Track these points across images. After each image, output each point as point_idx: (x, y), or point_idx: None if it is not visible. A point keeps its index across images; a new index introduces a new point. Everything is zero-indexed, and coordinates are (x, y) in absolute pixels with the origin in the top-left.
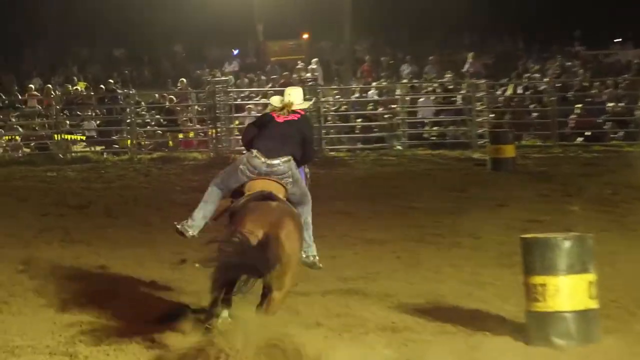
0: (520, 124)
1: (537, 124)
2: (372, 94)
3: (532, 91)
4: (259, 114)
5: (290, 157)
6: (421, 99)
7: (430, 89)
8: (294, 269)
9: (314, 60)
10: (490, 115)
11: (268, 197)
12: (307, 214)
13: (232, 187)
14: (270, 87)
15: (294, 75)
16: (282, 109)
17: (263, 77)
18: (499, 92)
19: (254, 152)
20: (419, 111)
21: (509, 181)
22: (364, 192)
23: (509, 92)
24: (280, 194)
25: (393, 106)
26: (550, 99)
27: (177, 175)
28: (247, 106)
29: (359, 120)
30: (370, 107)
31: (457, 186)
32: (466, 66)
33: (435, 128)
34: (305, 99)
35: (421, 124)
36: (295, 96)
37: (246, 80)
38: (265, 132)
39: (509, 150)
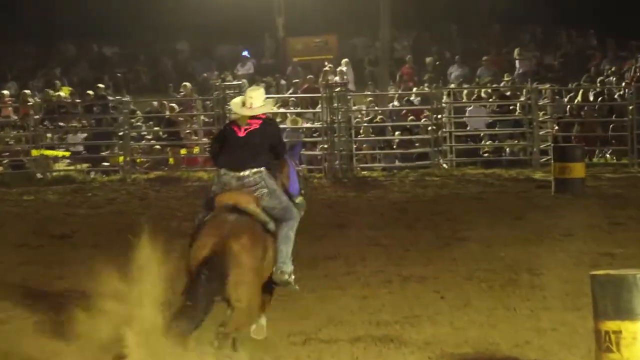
0: (592, 137)
1: (613, 138)
2: (414, 101)
3: (607, 98)
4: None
5: (261, 169)
6: (472, 108)
7: (483, 95)
8: (250, 280)
9: (344, 60)
10: (555, 128)
11: (231, 209)
12: (288, 229)
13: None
14: (291, 94)
15: (320, 79)
16: (242, 117)
17: (283, 82)
18: (565, 100)
19: (222, 170)
20: (469, 122)
21: (576, 206)
22: (401, 219)
23: (579, 99)
24: (251, 205)
25: (439, 116)
26: (629, 107)
27: (179, 200)
28: None
29: (397, 133)
30: (411, 118)
31: (514, 212)
32: (517, 68)
33: (488, 142)
34: (266, 100)
35: (472, 138)
36: (256, 98)
37: (263, 84)
38: (228, 147)
39: (578, 170)
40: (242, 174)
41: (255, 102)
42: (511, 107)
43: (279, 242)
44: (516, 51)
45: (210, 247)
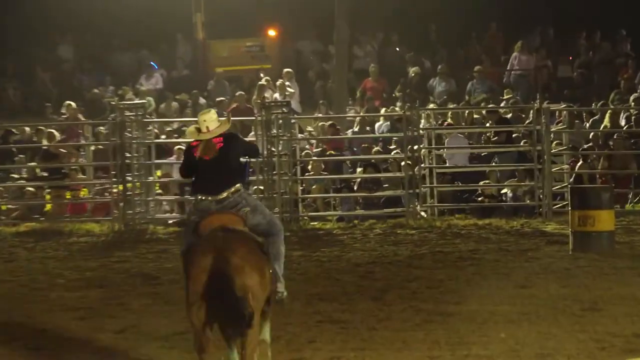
0: (624, 176)
1: None
2: (381, 127)
3: None
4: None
5: (237, 187)
6: (452, 137)
7: (476, 116)
8: (257, 296)
9: (287, 71)
10: (572, 162)
11: (220, 229)
12: (278, 243)
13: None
14: None
15: (254, 97)
16: (203, 143)
17: (203, 100)
18: (587, 125)
19: (198, 196)
20: (451, 156)
21: (603, 270)
22: (365, 287)
23: (606, 123)
24: (239, 226)
25: (415, 147)
26: None
27: (61, 261)
28: (176, 147)
29: (359, 170)
30: (377, 149)
31: (518, 278)
32: (510, 63)
33: (483, 183)
34: (220, 120)
35: (461, 177)
36: (209, 121)
37: (175, 104)
38: (200, 172)
39: (605, 220)
40: (220, 197)
41: (210, 124)
42: (514, 135)
43: (273, 261)
44: (517, 45)
45: (210, 267)
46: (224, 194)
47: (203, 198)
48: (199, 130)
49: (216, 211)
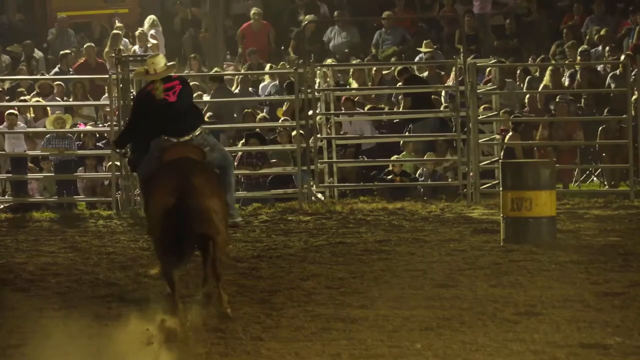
0: (568, 149)
1: (603, 150)
2: (268, 87)
3: (593, 81)
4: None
5: (200, 129)
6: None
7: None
8: (221, 211)
9: (150, 18)
10: (503, 131)
11: (182, 159)
12: (230, 174)
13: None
14: (57, 74)
15: (107, 49)
16: (156, 85)
17: (39, 54)
18: (524, 85)
19: (163, 137)
20: (359, 125)
21: (542, 265)
22: (249, 287)
23: (546, 82)
24: (199, 157)
25: (310, 113)
26: (632, 97)
27: None
28: (8, 113)
29: (241, 141)
30: (262, 116)
31: (438, 276)
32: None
33: (395, 157)
34: (168, 64)
35: (367, 151)
36: (157, 63)
37: (6, 58)
38: (159, 116)
39: (544, 203)
40: (185, 138)
41: (157, 67)
42: (433, 98)
43: (227, 189)
44: None
45: (174, 190)
46: (189, 136)
47: (167, 139)
48: (146, 72)
49: (180, 143)
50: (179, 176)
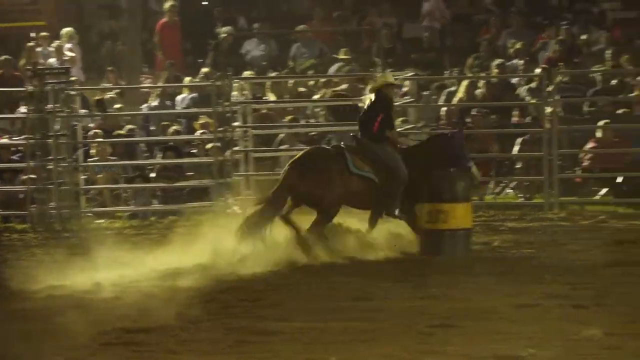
0: (484, 160)
1: (519, 161)
2: (185, 100)
3: (509, 94)
4: None
5: None
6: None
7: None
8: None
9: (66, 31)
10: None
11: None
12: None
13: None
14: None
15: (22, 62)
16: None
17: None
18: (442, 97)
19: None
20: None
21: (457, 277)
22: (165, 300)
23: (461, 95)
24: None
25: (229, 127)
26: (545, 109)
27: None
28: None
29: (159, 154)
30: (175, 128)
31: (354, 289)
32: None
33: None
34: None
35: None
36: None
37: None
38: None
39: (460, 215)
40: None
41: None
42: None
43: None
44: None
45: None
46: None
47: None
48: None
49: None
50: None
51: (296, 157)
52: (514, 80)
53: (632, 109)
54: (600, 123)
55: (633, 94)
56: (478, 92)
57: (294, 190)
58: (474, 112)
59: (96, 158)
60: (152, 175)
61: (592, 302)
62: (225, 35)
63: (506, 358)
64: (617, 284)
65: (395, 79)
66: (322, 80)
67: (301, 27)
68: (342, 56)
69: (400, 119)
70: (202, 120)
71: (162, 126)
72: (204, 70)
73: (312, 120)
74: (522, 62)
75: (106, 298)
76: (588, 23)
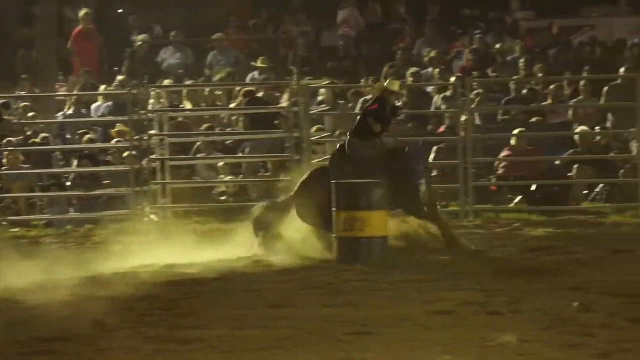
0: None
1: (437, 169)
2: (100, 108)
3: (424, 101)
4: None
5: None
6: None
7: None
8: None
9: None
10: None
11: None
12: None
13: None
14: None
15: None
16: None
17: None
18: (357, 105)
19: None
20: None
21: (374, 285)
22: (82, 308)
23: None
24: None
25: (144, 136)
26: (461, 117)
27: None
28: None
29: (75, 162)
30: (89, 137)
31: (273, 296)
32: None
33: (229, 178)
34: None
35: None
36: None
37: None
38: None
39: (377, 223)
40: None
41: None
42: (279, 120)
43: None
44: None
45: None
46: None
47: None
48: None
49: None
50: None
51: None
52: (429, 89)
53: (545, 118)
54: (515, 131)
55: (545, 103)
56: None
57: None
58: None
59: (5, 167)
60: (68, 183)
61: (506, 308)
62: (141, 43)
63: None
64: (531, 291)
65: (312, 87)
66: (238, 88)
67: (217, 35)
68: (259, 64)
69: (316, 126)
70: (118, 128)
71: (78, 134)
72: (120, 78)
73: (228, 129)
74: (437, 70)
75: (21, 307)
76: (501, 32)
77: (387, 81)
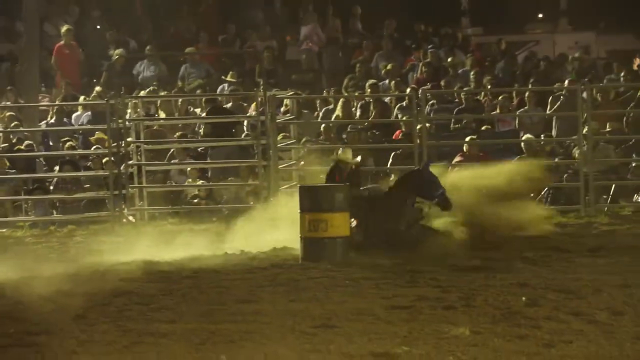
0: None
1: (390, 174)
2: (81, 117)
3: (381, 112)
4: None
5: None
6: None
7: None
8: None
9: None
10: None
11: None
12: None
13: None
14: None
15: None
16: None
17: None
18: (320, 114)
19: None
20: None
21: (336, 281)
22: (65, 304)
23: (338, 113)
24: None
25: (122, 143)
26: (417, 126)
27: None
28: None
29: (57, 168)
30: (69, 144)
31: (242, 292)
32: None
33: (202, 182)
34: None
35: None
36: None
37: None
38: None
39: (339, 224)
40: None
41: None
42: (236, 128)
43: None
44: None
45: None
46: None
47: None
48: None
49: None
50: None
51: None
52: (387, 99)
53: (494, 126)
54: (467, 139)
55: (494, 112)
56: (358, 111)
57: None
58: (349, 128)
59: None
60: (51, 187)
61: (460, 303)
62: (118, 57)
63: (383, 355)
64: (483, 287)
65: (278, 97)
66: (205, 99)
67: (190, 49)
68: (229, 78)
69: (282, 134)
70: (98, 136)
71: (61, 142)
72: (97, 89)
73: (199, 137)
74: (393, 82)
75: (8, 302)
76: (453, 47)
77: (341, 151)
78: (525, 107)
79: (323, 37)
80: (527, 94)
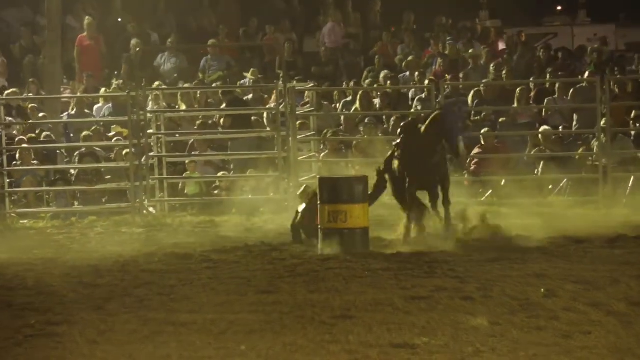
0: None
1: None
2: (102, 109)
3: (402, 103)
4: None
5: None
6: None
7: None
8: None
9: None
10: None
11: None
12: None
13: None
14: None
15: None
16: None
17: None
18: (339, 106)
19: None
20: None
21: (355, 272)
22: (86, 294)
23: (357, 106)
24: None
25: (141, 134)
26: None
27: None
28: None
29: (76, 156)
30: (87, 134)
31: (260, 283)
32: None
33: (222, 174)
34: None
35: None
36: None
37: None
38: None
39: (358, 215)
40: None
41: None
42: (253, 119)
43: None
44: None
45: None
46: None
47: None
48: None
49: None
50: None
51: None
52: (406, 91)
53: (512, 118)
54: (483, 131)
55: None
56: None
57: None
58: (367, 120)
59: (18, 163)
60: (73, 179)
61: (478, 294)
62: (139, 49)
63: (401, 346)
64: (500, 278)
65: (298, 90)
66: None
67: (212, 41)
68: (250, 76)
69: (300, 121)
70: (118, 128)
71: (82, 136)
72: (118, 82)
73: (219, 128)
74: (416, 74)
75: (30, 293)
76: (472, 39)
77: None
78: (554, 96)
79: (343, 32)
80: (557, 85)
